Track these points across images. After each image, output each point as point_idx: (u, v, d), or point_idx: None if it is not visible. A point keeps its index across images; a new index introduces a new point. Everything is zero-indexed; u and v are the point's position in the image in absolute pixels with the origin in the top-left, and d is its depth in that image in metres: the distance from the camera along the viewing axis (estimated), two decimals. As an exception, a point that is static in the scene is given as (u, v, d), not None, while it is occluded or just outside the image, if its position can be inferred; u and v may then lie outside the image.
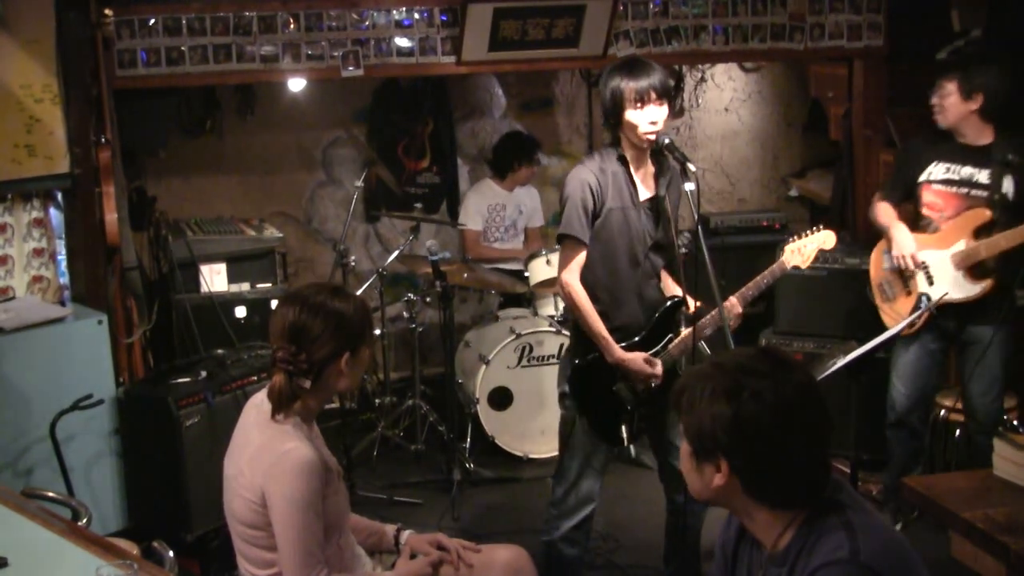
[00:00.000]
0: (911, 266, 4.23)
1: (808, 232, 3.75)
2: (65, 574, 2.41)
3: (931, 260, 4.22)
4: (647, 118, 3.45)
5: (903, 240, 4.26)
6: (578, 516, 3.70)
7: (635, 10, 5.30)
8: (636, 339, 3.61)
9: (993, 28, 5.21)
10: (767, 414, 1.90)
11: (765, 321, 5.50)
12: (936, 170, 4.24)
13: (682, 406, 2.01)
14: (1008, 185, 4.12)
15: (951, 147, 4.22)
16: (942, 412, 4.59)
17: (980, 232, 4.13)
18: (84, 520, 3.00)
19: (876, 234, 4.54)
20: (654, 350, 3.62)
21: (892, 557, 1.89)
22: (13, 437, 4.05)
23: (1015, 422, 4.37)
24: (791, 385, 1.93)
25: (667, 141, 3.48)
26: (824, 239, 3.74)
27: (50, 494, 3.31)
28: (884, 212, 4.37)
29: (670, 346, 3.63)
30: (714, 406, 1.93)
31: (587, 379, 3.62)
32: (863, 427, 4.28)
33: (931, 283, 4.22)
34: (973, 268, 4.14)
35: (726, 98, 7.11)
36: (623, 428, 3.64)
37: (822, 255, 4.46)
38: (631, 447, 5.15)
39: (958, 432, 4.58)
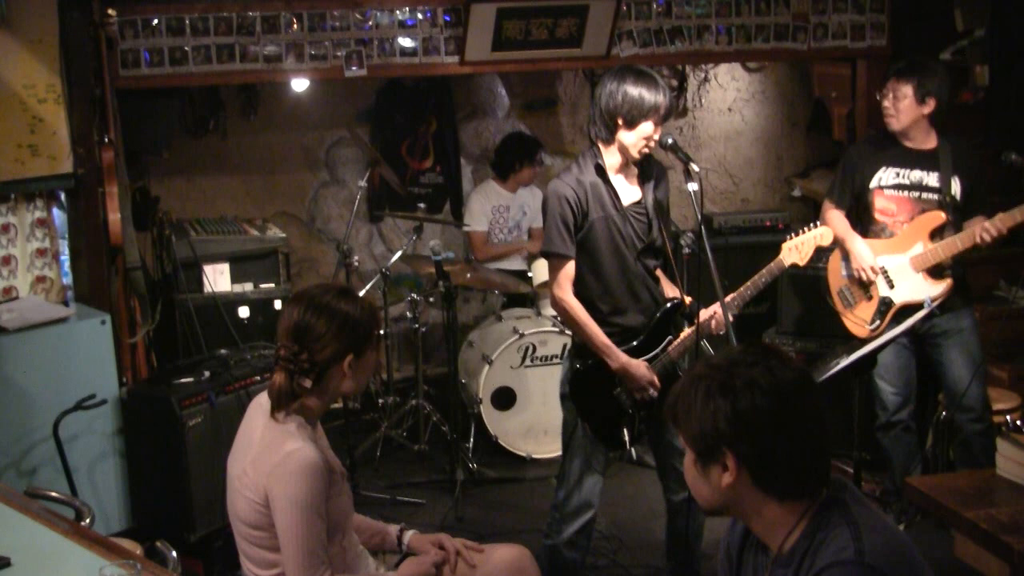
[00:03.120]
0: (872, 277, 4.30)
1: (804, 229, 3.74)
2: (68, 574, 2.41)
3: (889, 264, 4.29)
4: (654, 135, 3.46)
5: (862, 252, 4.32)
6: (580, 520, 3.71)
7: (638, 10, 5.30)
8: (635, 343, 3.61)
9: (996, 28, 5.21)
10: (764, 398, 1.90)
11: (768, 321, 5.50)
12: (886, 175, 4.31)
13: (679, 414, 1.99)
14: (956, 187, 4.22)
15: (898, 152, 4.29)
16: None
17: (935, 234, 4.23)
18: (87, 520, 3.00)
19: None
20: (653, 352, 3.61)
21: (897, 557, 1.89)
22: (16, 437, 4.06)
23: (1018, 422, 4.37)
24: (783, 368, 1.94)
25: (670, 141, 3.48)
26: (820, 235, 3.73)
27: (53, 494, 3.30)
28: (838, 222, 4.41)
29: (669, 348, 3.63)
30: (711, 403, 1.93)
31: (587, 384, 3.62)
32: (864, 427, 4.27)
33: (891, 286, 4.30)
34: (931, 269, 4.23)
35: (729, 98, 7.10)
36: (624, 432, 3.64)
37: (825, 255, 4.47)
38: (632, 449, 5.15)
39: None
